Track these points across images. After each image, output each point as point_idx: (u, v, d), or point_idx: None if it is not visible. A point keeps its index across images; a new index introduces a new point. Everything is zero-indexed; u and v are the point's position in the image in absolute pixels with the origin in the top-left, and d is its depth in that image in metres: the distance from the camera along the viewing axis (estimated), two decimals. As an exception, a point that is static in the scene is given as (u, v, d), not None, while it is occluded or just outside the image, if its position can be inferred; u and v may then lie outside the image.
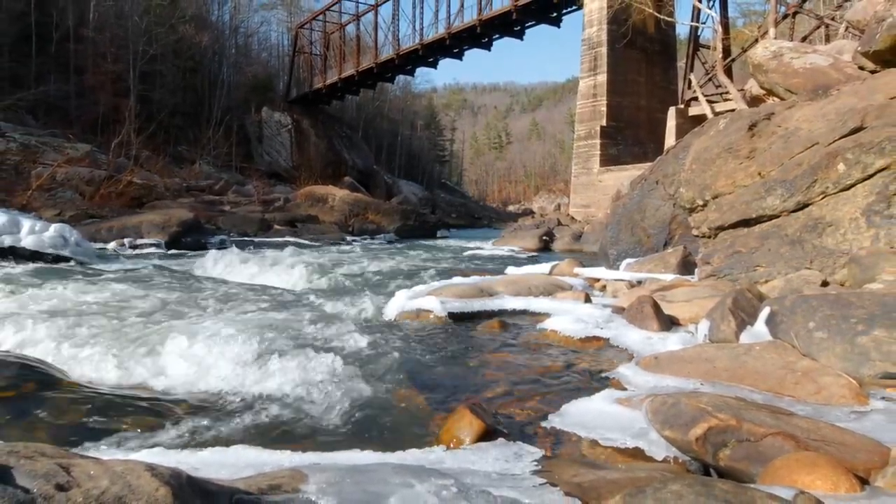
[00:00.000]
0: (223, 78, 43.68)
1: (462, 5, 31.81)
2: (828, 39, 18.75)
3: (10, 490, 1.00)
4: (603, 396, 2.32)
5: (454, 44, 33.26)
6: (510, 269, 7.44)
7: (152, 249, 11.99)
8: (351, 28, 43.13)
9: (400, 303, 4.41)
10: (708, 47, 24.26)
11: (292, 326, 3.65)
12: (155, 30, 35.63)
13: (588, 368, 2.93)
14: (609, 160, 24.78)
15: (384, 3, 39.32)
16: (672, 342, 3.19)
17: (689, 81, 24.14)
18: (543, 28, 30.49)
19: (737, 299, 3.06)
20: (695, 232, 5.00)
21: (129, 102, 28.68)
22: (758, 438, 1.63)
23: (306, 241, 16.09)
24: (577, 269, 6.56)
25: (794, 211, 4.05)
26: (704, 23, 23.40)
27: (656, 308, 3.58)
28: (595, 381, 2.70)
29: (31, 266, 7.96)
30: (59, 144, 22.45)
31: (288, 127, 43.67)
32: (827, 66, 5.65)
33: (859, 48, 5.07)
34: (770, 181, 4.23)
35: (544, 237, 16.05)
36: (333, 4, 43.65)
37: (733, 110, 8.44)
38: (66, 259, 8.66)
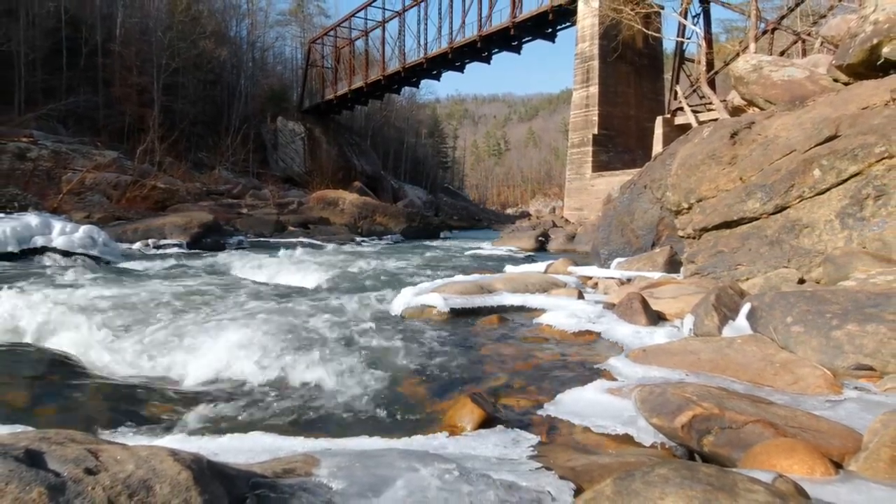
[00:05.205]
0: (241, 89, 43.68)
1: (463, 22, 31.84)
2: (804, 54, 18.71)
3: (43, 474, 1.01)
4: (595, 386, 2.32)
5: (456, 58, 33.27)
6: (508, 268, 7.43)
7: (175, 249, 11.98)
8: (360, 43, 43.18)
9: (405, 299, 4.41)
10: (692, 61, 24.21)
11: (305, 322, 3.65)
12: (177, 45, 35.64)
13: (581, 360, 2.92)
14: (601, 166, 24.75)
15: (391, 20, 39.36)
16: (659, 336, 3.19)
17: (675, 93, 24.10)
18: (539, 43, 30.52)
19: (719, 296, 3.05)
20: (680, 233, 4.99)
21: (153, 112, 28.67)
22: (739, 426, 1.63)
23: (318, 242, 16.07)
24: (571, 268, 6.56)
25: (773, 213, 4.04)
26: (689, 38, 23.37)
27: (644, 304, 3.58)
28: (587, 372, 2.69)
29: (61, 264, 7.97)
30: (88, 151, 22.50)
31: (301, 135, 43.69)
32: (804, 79, 5.64)
33: (834, 62, 5.06)
34: (750, 186, 4.22)
35: (540, 238, 16.03)
36: (344, 21, 43.69)
37: (716, 120, 8.42)
38: (95, 258, 8.67)
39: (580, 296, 4.59)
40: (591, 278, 5.94)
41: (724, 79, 21.16)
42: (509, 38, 29.83)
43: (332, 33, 45.07)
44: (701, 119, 20.92)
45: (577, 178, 25.48)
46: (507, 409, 2.25)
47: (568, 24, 27.48)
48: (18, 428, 1.77)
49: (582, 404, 2.16)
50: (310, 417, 2.24)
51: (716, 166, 4.61)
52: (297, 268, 7.68)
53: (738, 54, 17.97)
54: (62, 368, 2.63)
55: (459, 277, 5.59)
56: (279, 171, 41.72)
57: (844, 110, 3.97)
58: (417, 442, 1.86)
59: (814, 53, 13.84)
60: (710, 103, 20.79)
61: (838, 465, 1.44)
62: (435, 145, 73.44)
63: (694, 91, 23.34)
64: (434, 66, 35.26)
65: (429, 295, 4.37)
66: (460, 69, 35.20)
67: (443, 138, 79.91)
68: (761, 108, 5.86)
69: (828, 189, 3.73)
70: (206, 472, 1.15)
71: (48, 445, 1.12)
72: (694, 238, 4.76)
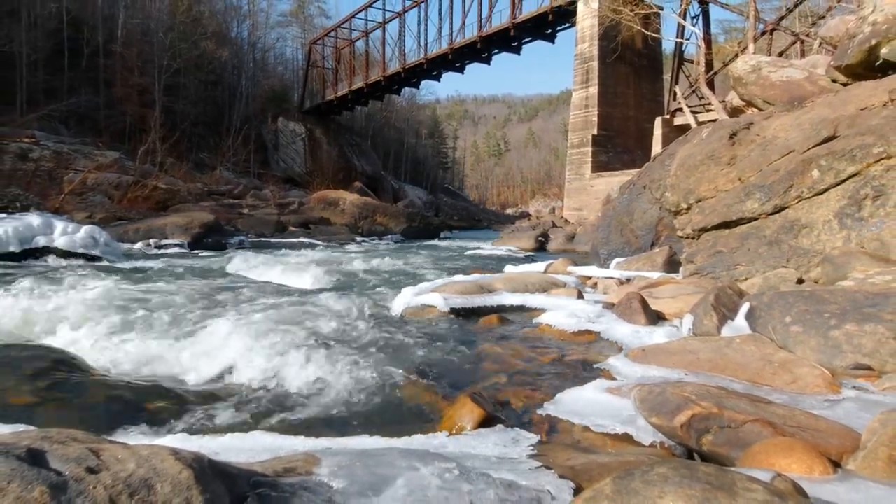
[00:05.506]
0: (242, 90, 43.66)
1: (463, 23, 31.87)
2: (803, 54, 18.70)
3: (45, 472, 1.01)
4: (594, 386, 2.31)
5: (456, 58, 33.29)
6: (508, 268, 7.42)
7: (176, 249, 11.99)
8: (360, 44, 43.21)
9: (406, 299, 4.40)
10: (692, 62, 24.22)
11: (306, 322, 3.65)
12: (179, 45, 35.64)
13: (580, 360, 2.92)
14: (600, 166, 24.77)
15: (391, 20, 39.39)
16: (658, 335, 3.19)
17: (675, 93, 24.11)
18: (539, 44, 30.53)
19: (718, 296, 3.05)
20: (679, 233, 4.99)
21: (155, 113, 28.64)
22: (738, 425, 1.63)
23: (319, 242, 16.08)
24: (571, 268, 6.55)
25: (771, 214, 4.04)
26: (688, 39, 23.40)
27: (644, 304, 3.57)
28: (587, 372, 2.69)
29: (63, 264, 7.97)
30: (90, 152, 22.49)
31: (302, 135, 43.71)
32: (802, 79, 5.64)
33: (832, 62, 5.06)
34: (749, 186, 4.22)
35: (540, 238, 16.03)
36: (344, 22, 43.71)
37: (715, 120, 8.43)
38: (97, 258, 8.68)
39: (580, 296, 4.59)
40: (590, 278, 5.94)
41: (723, 79, 21.17)
42: (509, 39, 29.86)
43: (333, 34, 45.10)
44: (700, 120, 20.94)
45: (577, 178, 25.49)
46: (507, 409, 2.25)
47: (567, 24, 27.50)
48: (20, 427, 1.77)
49: (581, 404, 2.16)
50: (310, 417, 2.25)
51: (715, 167, 4.61)
52: (298, 267, 7.67)
53: (736, 55, 17.98)
54: (64, 368, 2.63)
55: (459, 277, 5.59)
56: (280, 171, 41.73)
57: (843, 111, 3.97)
58: (418, 441, 1.86)
59: (812, 54, 13.84)
60: (709, 104, 20.80)
61: (837, 464, 1.44)
62: (435, 146, 73.45)
63: (693, 92, 23.34)
64: (434, 67, 35.29)
65: (429, 295, 4.37)
66: (460, 70, 35.22)
67: (443, 139, 79.91)
68: (760, 109, 5.86)
69: (826, 189, 3.72)
70: (207, 471, 1.15)
71: (50, 444, 1.12)
72: (693, 238, 4.76)
